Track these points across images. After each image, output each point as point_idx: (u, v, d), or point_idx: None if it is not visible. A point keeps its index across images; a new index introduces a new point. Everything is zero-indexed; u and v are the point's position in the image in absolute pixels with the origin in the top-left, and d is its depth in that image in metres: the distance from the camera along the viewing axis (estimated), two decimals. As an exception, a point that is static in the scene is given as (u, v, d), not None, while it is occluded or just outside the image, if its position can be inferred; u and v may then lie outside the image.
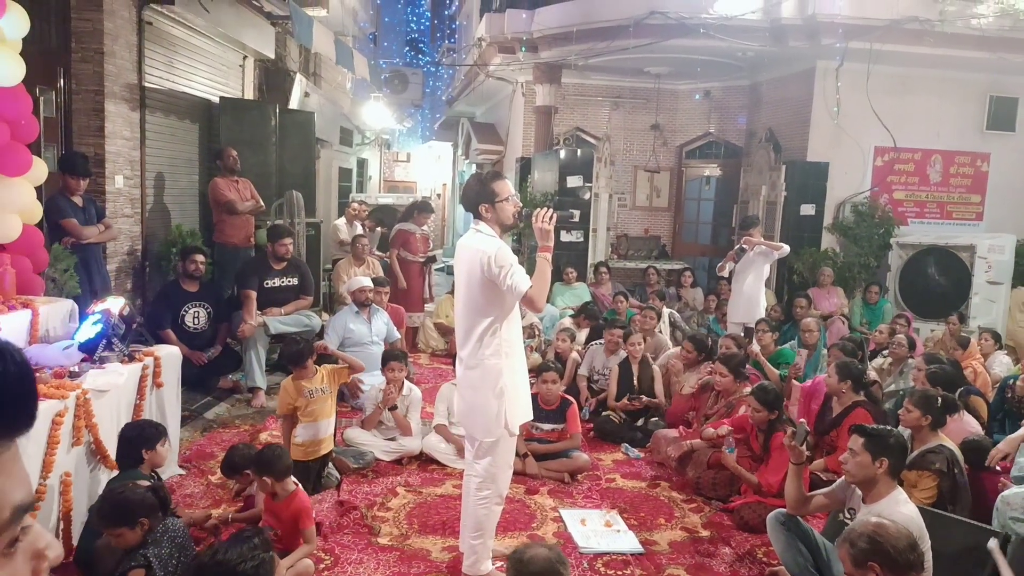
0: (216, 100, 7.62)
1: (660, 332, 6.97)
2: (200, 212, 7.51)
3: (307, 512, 3.39)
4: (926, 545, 2.65)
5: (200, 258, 5.85)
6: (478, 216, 3.23)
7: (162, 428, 3.48)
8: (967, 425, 4.25)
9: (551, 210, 3.15)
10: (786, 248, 7.08)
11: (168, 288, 5.95)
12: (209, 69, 7.74)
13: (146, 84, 6.34)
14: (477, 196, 3.21)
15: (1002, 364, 6.08)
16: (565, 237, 9.02)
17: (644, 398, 5.58)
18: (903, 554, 2.30)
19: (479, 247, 3.11)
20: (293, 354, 4.36)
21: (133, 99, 6.15)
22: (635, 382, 5.65)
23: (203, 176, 7.53)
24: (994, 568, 2.93)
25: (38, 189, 4.52)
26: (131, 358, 3.98)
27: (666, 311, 7.83)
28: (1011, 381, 4.99)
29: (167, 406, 4.28)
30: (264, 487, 3.40)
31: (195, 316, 5.85)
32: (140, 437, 3.34)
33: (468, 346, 3.21)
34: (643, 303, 8.48)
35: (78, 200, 5.16)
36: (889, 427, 3.26)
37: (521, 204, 3.41)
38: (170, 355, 4.40)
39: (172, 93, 6.96)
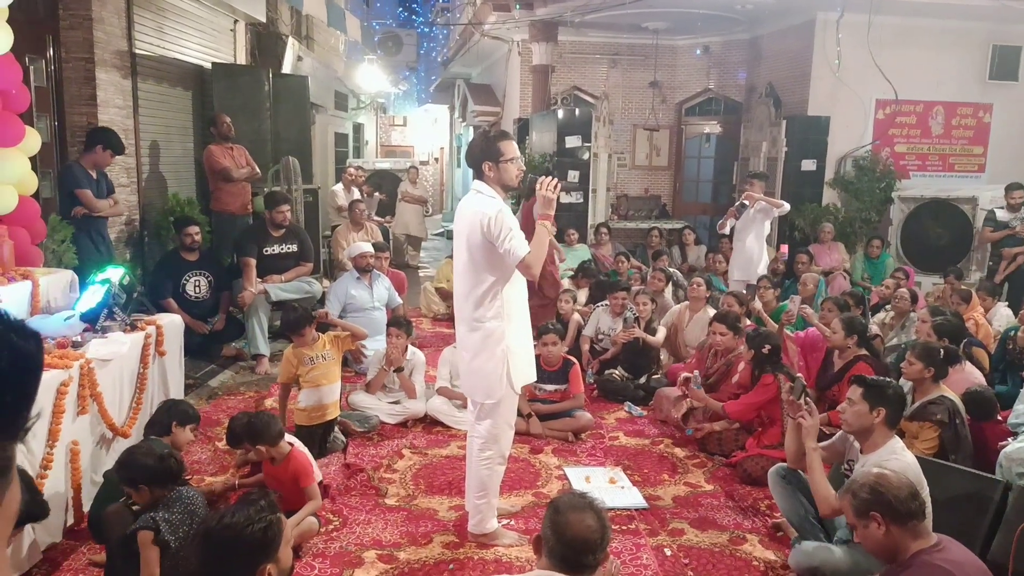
0: (208, 66, 7.51)
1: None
2: (196, 180, 7.45)
3: (305, 471, 3.41)
4: (925, 492, 2.68)
5: (194, 230, 5.84)
6: (480, 174, 3.19)
7: (198, 417, 3.56)
8: (970, 376, 4.27)
9: (555, 179, 3.14)
10: (786, 206, 7.07)
11: (168, 257, 5.95)
12: (200, 34, 7.60)
13: (137, 51, 6.24)
14: (482, 153, 3.17)
15: (1002, 317, 6.09)
16: (565, 199, 8.94)
17: (638, 329, 5.61)
18: (904, 503, 2.34)
19: (479, 208, 3.08)
20: (290, 322, 4.38)
21: (124, 66, 6.06)
22: (640, 343, 5.67)
23: (198, 144, 7.46)
24: (995, 515, 2.97)
25: (32, 160, 4.48)
26: (133, 327, 3.99)
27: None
28: (1012, 333, 5.02)
29: (170, 374, 4.31)
30: (261, 455, 3.44)
31: (196, 285, 5.85)
32: (176, 411, 3.43)
33: (468, 308, 3.20)
34: (643, 264, 8.47)
35: (92, 173, 5.16)
36: (888, 379, 3.28)
37: (524, 168, 3.37)
38: (172, 324, 4.41)
39: (163, 60, 6.85)
